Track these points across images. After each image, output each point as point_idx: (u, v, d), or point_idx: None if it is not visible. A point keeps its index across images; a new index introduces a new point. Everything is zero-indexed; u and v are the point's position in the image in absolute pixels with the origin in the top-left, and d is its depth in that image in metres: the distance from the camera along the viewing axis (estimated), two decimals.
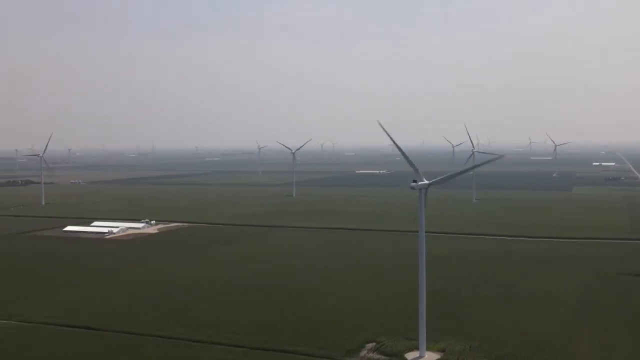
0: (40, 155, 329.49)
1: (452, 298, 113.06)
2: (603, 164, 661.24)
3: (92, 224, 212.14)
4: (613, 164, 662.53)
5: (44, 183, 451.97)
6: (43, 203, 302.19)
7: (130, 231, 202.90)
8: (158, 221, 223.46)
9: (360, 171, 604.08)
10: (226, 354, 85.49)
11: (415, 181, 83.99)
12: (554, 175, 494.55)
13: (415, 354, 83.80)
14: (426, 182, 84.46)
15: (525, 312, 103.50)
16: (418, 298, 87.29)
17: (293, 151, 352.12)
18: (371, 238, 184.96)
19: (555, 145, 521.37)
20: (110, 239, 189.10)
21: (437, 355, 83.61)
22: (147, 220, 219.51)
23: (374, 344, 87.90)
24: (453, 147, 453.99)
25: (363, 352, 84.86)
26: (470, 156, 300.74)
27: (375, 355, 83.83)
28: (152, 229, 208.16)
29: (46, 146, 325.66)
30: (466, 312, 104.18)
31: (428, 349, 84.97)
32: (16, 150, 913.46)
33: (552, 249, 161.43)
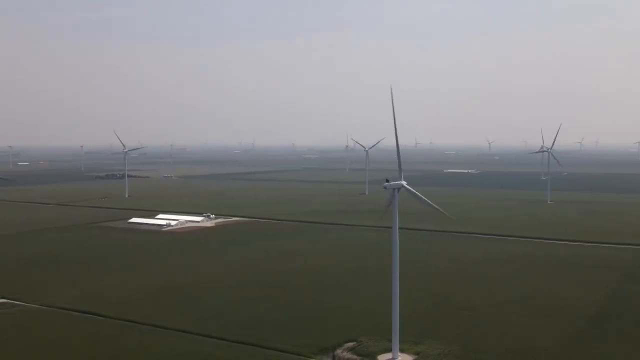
0: (125, 150, 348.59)
1: (460, 302, 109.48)
2: None
3: (156, 217, 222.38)
4: None
5: (140, 177, 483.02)
6: (126, 195, 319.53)
7: (188, 224, 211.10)
8: (219, 215, 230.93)
9: (449, 170, 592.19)
10: (202, 346, 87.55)
11: (387, 180, 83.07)
12: None
13: (388, 355, 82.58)
14: (399, 182, 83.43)
15: (532, 319, 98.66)
16: (392, 299, 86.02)
17: (366, 149, 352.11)
18: (422, 239, 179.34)
19: None
20: (166, 231, 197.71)
21: (410, 358, 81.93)
22: (207, 214, 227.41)
23: (353, 343, 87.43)
24: (542, 147, 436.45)
25: (337, 351, 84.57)
26: (539, 151, 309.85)
27: (348, 355, 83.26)
28: (210, 223, 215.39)
29: (124, 145, 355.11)
30: (468, 316, 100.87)
31: (404, 351, 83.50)
32: (123, 145, 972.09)
33: (592, 255, 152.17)
